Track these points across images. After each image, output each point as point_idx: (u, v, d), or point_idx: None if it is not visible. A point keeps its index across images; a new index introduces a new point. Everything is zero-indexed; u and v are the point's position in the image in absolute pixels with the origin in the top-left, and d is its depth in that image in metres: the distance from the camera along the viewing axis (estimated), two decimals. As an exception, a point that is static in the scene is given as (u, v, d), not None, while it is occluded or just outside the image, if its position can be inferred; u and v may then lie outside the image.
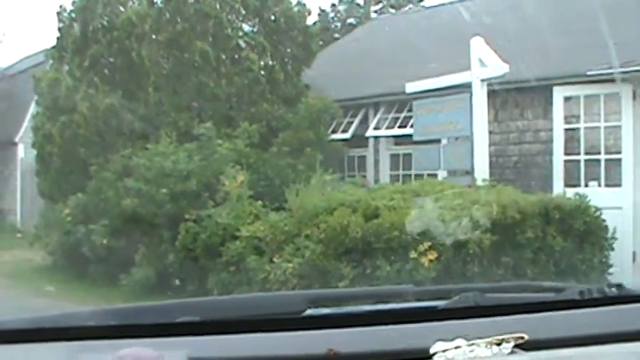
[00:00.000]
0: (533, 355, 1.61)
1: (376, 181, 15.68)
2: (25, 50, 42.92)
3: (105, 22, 15.12)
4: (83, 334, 1.73)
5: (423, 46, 16.22)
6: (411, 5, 30.53)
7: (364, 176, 16.00)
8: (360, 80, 16.91)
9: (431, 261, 9.49)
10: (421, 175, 14.19)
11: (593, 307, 1.89)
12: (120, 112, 14.22)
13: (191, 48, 14.72)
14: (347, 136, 16.36)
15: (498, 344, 1.60)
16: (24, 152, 23.94)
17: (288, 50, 15.95)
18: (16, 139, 24.24)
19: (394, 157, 16.31)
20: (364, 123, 16.46)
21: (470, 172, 12.17)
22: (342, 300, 2.35)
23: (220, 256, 11.23)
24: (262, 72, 15.41)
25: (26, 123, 24.06)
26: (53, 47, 16.38)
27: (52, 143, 15.02)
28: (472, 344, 1.59)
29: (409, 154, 15.29)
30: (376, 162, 16.44)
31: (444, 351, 1.58)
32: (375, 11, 32.52)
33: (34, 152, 24.41)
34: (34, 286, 13.47)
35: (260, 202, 11.84)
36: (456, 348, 1.58)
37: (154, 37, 15.00)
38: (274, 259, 10.52)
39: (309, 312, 1.96)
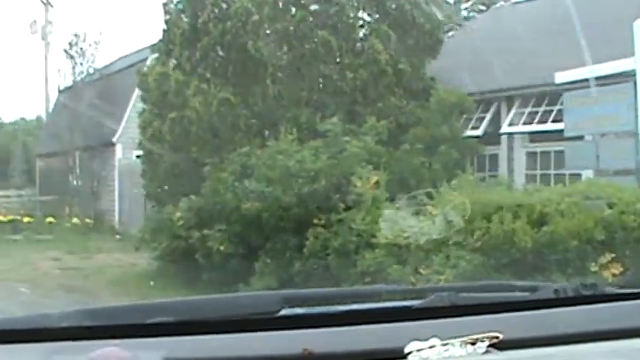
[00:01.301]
0: (507, 354, 1.60)
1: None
2: (121, 49, 42.40)
3: (216, 12, 14.03)
4: (56, 336, 1.70)
5: (558, 34, 14.75)
6: (502, 2, 29.04)
7: (494, 176, 14.63)
8: (487, 73, 15.52)
9: (614, 275, 8.16)
10: (562, 175, 12.83)
11: (567, 306, 1.89)
12: (235, 108, 13.14)
13: (311, 37, 13.55)
14: (478, 132, 15.05)
15: (473, 344, 1.59)
16: (122, 152, 23.75)
17: (413, 40, 14.57)
18: (114, 140, 23.86)
19: (531, 155, 14.93)
20: (496, 118, 15.11)
21: (634, 172, 10.74)
22: (317, 300, 2.23)
23: (355, 265, 10.08)
24: (387, 63, 14.05)
25: (124, 123, 23.58)
26: (160, 41, 15.43)
27: (161, 142, 14.01)
28: (447, 344, 1.59)
29: (548, 152, 13.93)
30: (510, 160, 15.10)
31: (418, 350, 1.57)
32: (465, 9, 31.25)
33: (133, 152, 23.80)
34: (144, 293, 12.52)
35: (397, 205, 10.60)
36: (431, 347, 1.58)
37: (270, 26, 13.86)
38: (420, 270, 9.32)
39: (284, 312, 1.91)
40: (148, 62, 17.43)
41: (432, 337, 1.59)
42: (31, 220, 21.67)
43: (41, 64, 33.50)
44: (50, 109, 31.46)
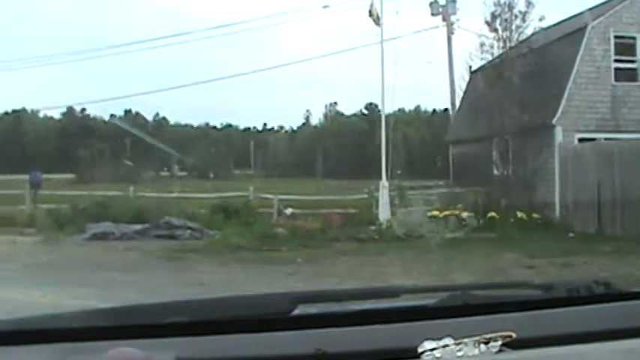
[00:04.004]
0: (520, 353, 1.61)
1: None
2: (551, 18, 38.25)
3: None
4: (70, 336, 1.72)
5: None
6: None
7: None
8: None
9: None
10: None
11: (580, 305, 1.89)
12: None
13: None
14: None
15: (486, 343, 1.61)
16: (562, 136, 20.80)
17: None
18: (553, 122, 20.87)
19: None
20: None
21: None
22: (331, 299, 2.17)
23: None
24: None
25: (564, 102, 20.29)
26: None
27: None
28: (460, 343, 1.60)
29: None
30: None
31: (432, 350, 1.59)
32: None
33: (574, 136, 20.05)
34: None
35: None
36: (444, 347, 1.60)
37: None
38: None
39: (297, 312, 1.91)
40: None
41: (446, 336, 1.61)
42: (469, 215, 18.56)
43: (441, 47, 31.27)
44: (459, 94, 29.11)
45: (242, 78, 76.27)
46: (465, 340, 1.59)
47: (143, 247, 16.65)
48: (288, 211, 20.66)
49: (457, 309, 1.85)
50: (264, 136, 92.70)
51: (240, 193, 23.37)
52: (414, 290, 2.26)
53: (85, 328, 1.76)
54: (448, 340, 1.59)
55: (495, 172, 22.62)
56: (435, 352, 1.57)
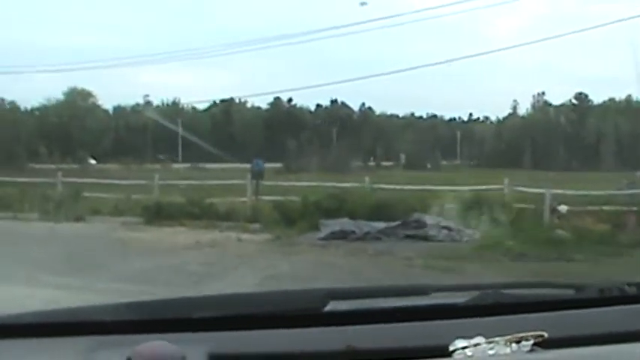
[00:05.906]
0: (552, 353, 1.57)
1: None
2: None
3: None
4: (101, 329, 1.71)
5: None
6: None
7: None
8: None
9: None
10: None
11: (612, 305, 1.85)
12: None
13: None
14: None
15: (518, 342, 1.57)
16: None
17: None
18: None
19: None
20: None
21: None
22: (362, 296, 2.11)
23: None
24: None
25: None
26: None
27: None
28: (491, 342, 1.57)
29: None
30: None
31: (463, 348, 1.56)
32: None
33: None
34: None
35: None
36: (476, 345, 1.56)
37: None
38: None
39: (329, 308, 1.86)
40: None
41: (477, 335, 1.58)
42: None
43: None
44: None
45: (446, 66, 72.93)
46: (497, 338, 1.55)
47: (395, 250, 13.80)
48: (563, 208, 17.17)
49: (488, 308, 1.80)
50: (469, 126, 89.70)
51: (491, 186, 20.13)
52: (444, 288, 2.15)
53: (116, 321, 1.73)
54: (480, 339, 1.56)
55: None
56: (466, 350, 1.54)
